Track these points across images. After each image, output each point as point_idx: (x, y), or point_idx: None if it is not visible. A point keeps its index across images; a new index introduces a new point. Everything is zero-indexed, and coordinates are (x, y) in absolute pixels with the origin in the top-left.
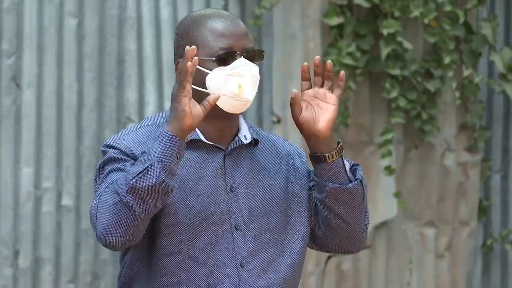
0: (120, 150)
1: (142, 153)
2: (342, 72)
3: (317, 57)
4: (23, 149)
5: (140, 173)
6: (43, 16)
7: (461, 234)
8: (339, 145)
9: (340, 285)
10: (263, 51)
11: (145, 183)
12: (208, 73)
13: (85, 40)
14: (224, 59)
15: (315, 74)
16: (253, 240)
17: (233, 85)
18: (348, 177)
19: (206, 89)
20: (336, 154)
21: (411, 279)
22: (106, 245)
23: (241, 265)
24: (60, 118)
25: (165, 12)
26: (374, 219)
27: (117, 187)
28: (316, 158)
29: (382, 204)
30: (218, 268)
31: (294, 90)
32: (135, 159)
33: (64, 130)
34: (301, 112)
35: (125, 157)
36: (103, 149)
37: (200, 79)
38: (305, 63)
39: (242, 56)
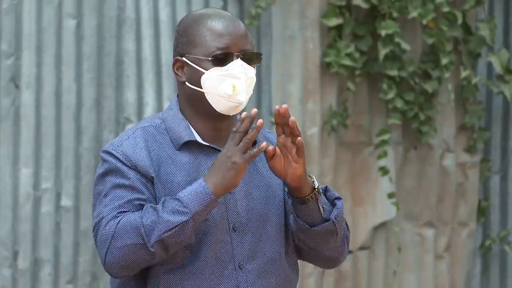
0: (119, 159)
1: (176, 199)
2: (299, 139)
3: (283, 106)
4: (22, 149)
5: (174, 227)
6: (42, 17)
7: (460, 234)
8: (315, 190)
9: (339, 286)
10: (261, 54)
11: (175, 239)
12: (204, 73)
13: (84, 41)
14: (221, 59)
15: (277, 124)
16: (251, 241)
17: (227, 87)
18: (323, 217)
19: (201, 88)
20: (310, 199)
21: (394, 280)
22: (109, 273)
23: (239, 267)
24: (59, 118)
25: (164, 13)
26: (373, 220)
27: (143, 228)
28: (290, 197)
29: (381, 205)
30: (217, 270)
31: (264, 143)
32: (132, 167)
33: (63, 130)
34: (271, 159)
35: (124, 167)
36: (102, 155)
37: (195, 77)
38: (277, 107)
39: (239, 58)
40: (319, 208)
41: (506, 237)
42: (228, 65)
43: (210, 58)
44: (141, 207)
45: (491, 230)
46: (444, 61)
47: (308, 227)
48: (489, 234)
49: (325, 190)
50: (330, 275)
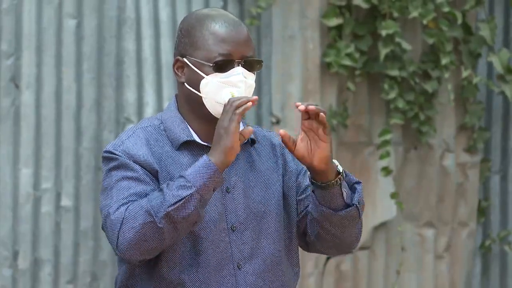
0: (122, 157)
1: (180, 176)
2: (322, 114)
3: (301, 107)
4: (22, 149)
5: (179, 201)
6: (42, 17)
7: (460, 234)
8: (339, 175)
9: (339, 286)
10: (262, 61)
11: (182, 213)
12: (203, 77)
13: (84, 41)
14: (222, 66)
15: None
16: (250, 241)
17: (226, 94)
18: (345, 203)
19: (200, 91)
20: (334, 183)
21: (397, 281)
22: (124, 258)
23: (238, 267)
24: (59, 118)
25: (164, 13)
26: (373, 220)
27: (151, 207)
28: (314, 183)
29: (381, 205)
30: (216, 269)
31: (281, 131)
32: (136, 163)
33: (63, 130)
34: (295, 145)
35: (129, 161)
36: (105, 155)
37: (195, 80)
38: (302, 107)
39: (240, 65)
40: (342, 192)
41: (506, 237)
42: (229, 72)
43: (211, 64)
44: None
45: (491, 230)
46: (444, 61)
47: (332, 212)
48: (489, 234)
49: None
50: (330, 275)
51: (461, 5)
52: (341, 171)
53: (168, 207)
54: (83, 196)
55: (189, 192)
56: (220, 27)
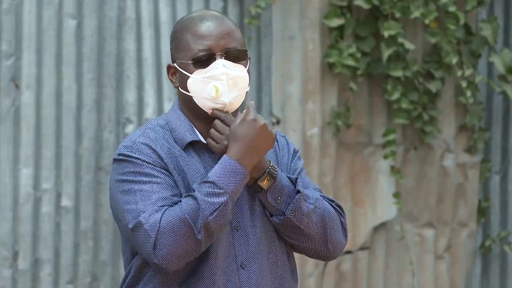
0: (137, 158)
1: (208, 182)
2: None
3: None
4: (22, 150)
5: (216, 210)
6: (42, 17)
7: (460, 235)
8: (259, 178)
9: (339, 286)
10: (246, 50)
11: (220, 221)
12: (189, 77)
13: (84, 41)
14: (203, 61)
15: None
16: (253, 241)
17: (211, 89)
18: (281, 210)
19: (189, 92)
20: (256, 188)
21: (414, 281)
22: (162, 268)
23: (241, 266)
24: (59, 119)
25: (164, 14)
26: (373, 220)
27: (189, 217)
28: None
29: (381, 205)
30: (220, 269)
31: None
32: (151, 162)
33: (63, 131)
34: None
35: (144, 163)
36: (119, 158)
37: (184, 82)
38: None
39: (222, 57)
40: (269, 200)
41: (506, 238)
42: (210, 66)
43: (190, 62)
44: (175, 200)
45: (491, 230)
46: (454, 60)
47: (268, 214)
48: (489, 235)
49: (295, 182)
50: (330, 275)
51: (462, 5)
52: (260, 177)
53: (207, 217)
54: (83, 197)
55: (223, 199)
56: (199, 26)
